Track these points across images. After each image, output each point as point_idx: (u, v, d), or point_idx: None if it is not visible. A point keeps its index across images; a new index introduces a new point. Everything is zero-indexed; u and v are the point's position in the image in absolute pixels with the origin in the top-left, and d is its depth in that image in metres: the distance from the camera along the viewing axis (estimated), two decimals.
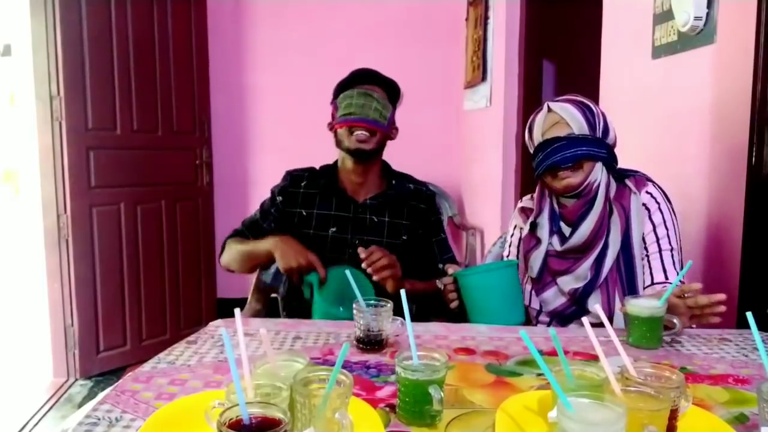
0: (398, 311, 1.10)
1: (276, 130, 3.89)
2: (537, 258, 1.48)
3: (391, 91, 1.69)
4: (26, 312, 3.13)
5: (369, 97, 1.59)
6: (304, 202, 1.70)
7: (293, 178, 1.75)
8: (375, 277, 1.46)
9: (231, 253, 1.71)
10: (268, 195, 1.78)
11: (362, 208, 1.68)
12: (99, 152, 2.90)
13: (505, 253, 1.66)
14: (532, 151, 1.46)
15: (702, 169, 1.79)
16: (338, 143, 1.67)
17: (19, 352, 3.20)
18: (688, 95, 1.85)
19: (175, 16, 3.17)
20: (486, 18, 3.46)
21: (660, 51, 1.98)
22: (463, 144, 3.99)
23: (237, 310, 0.87)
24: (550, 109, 1.41)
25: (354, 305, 1.15)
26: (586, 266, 1.42)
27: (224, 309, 1.90)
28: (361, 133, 1.59)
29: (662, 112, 1.99)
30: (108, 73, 2.90)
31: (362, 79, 1.65)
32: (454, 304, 1.44)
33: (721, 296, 1.17)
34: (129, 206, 3.04)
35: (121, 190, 3.01)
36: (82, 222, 2.87)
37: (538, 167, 1.41)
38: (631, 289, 1.41)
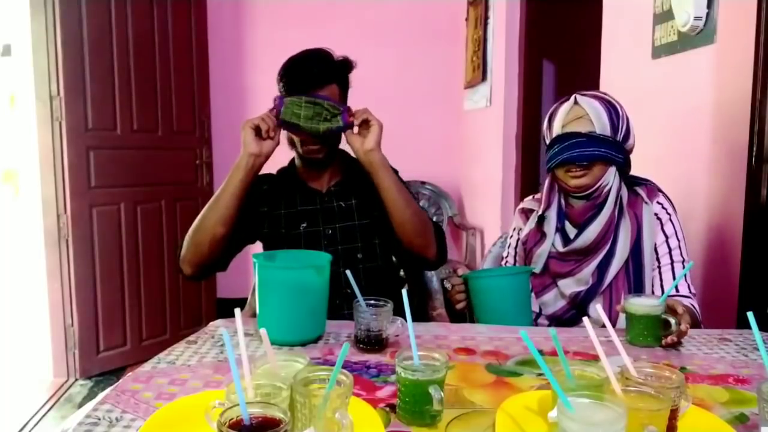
0: (398, 311, 1.10)
1: None
2: (542, 254, 1.46)
3: (344, 72, 1.56)
4: (26, 312, 3.13)
5: (318, 106, 1.43)
6: (269, 202, 1.61)
7: (254, 181, 1.56)
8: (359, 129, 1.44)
9: (190, 232, 1.50)
10: None
11: (328, 196, 1.61)
12: (99, 152, 2.90)
13: (504, 254, 1.66)
14: (548, 141, 1.43)
15: (702, 169, 1.79)
16: (288, 141, 1.58)
17: (19, 352, 3.19)
18: (688, 95, 1.85)
19: (175, 16, 3.17)
20: (486, 18, 3.46)
21: (660, 51, 1.98)
22: (463, 144, 3.99)
23: (237, 310, 0.87)
24: (576, 102, 1.37)
25: (354, 305, 1.15)
26: (588, 270, 1.40)
27: (224, 309, 1.89)
28: (308, 148, 1.52)
29: (662, 112, 1.99)
30: (108, 73, 2.90)
31: (310, 79, 1.48)
32: (460, 305, 1.42)
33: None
34: (129, 206, 3.04)
35: (121, 190, 3.01)
36: (82, 222, 2.87)
37: (551, 160, 1.38)
38: None
